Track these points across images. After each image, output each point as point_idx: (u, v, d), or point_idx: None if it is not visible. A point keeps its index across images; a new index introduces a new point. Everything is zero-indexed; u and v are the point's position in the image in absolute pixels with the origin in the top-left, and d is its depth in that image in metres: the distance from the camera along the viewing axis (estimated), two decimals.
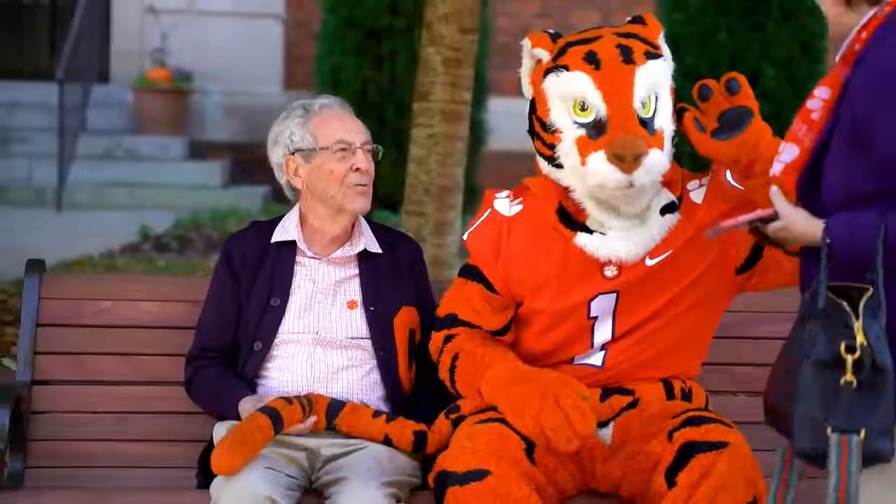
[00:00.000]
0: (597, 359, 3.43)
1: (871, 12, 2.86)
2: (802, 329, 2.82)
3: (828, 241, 2.78)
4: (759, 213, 2.94)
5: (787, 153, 2.91)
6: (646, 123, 3.30)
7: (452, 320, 3.51)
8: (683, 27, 9.89)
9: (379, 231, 3.71)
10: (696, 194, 3.43)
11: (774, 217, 2.91)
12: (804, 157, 2.88)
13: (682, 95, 3.42)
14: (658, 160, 3.28)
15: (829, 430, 2.73)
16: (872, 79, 2.78)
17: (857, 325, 2.73)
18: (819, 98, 2.88)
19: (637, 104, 3.30)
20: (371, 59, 10.74)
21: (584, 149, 3.30)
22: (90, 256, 9.05)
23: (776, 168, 2.92)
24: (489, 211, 3.52)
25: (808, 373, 2.76)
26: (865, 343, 2.72)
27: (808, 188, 2.88)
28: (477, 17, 5.54)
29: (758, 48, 9.84)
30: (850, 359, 2.72)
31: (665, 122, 3.34)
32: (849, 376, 2.72)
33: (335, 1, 10.85)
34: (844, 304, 2.75)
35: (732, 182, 3.34)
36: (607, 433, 3.41)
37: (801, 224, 2.86)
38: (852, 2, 2.87)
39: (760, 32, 9.86)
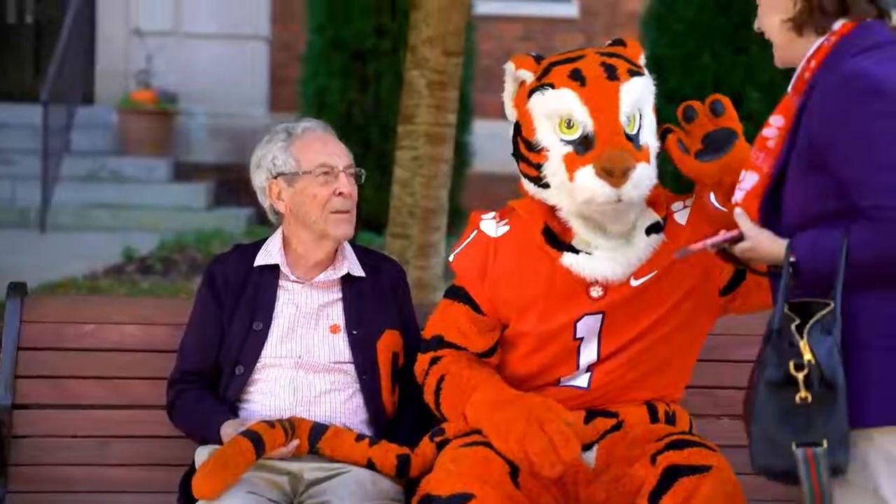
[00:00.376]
0: (582, 380, 3.43)
1: (819, 41, 2.91)
2: (765, 350, 2.86)
3: (792, 259, 2.82)
4: (726, 234, 2.97)
5: (748, 180, 2.96)
6: (631, 139, 3.31)
7: (438, 342, 3.50)
8: (667, 50, 9.91)
9: (362, 254, 3.70)
10: (681, 215, 3.44)
11: (740, 238, 2.94)
12: (764, 183, 2.93)
13: (665, 118, 3.42)
14: (646, 174, 3.29)
15: (793, 445, 2.76)
16: (828, 102, 2.81)
17: (803, 343, 2.76)
18: (774, 126, 2.94)
19: (623, 119, 3.31)
20: (356, 81, 10.75)
21: (571, 165, 3.30)
22: (74, 278, 9.03)
23: (738, 195, 2.97)
24: (475, 232, 3.52)
25: (762, 393, 2.80)
26: (813, 360, 2.75)
27: (770, 213, 2.92)
28: (461, 41, 5.54)
29: (741, 71, 9.86)
30: (800, 376, 2.76)
31: (650, 139, 3.35)
32: (803, 393, 2.76)
33: (321, 22, 10.86)
34: (793, 323, 2.79)
35: (716, 204, 3.34)
36: (591, 456, 3.40)
37: (767, 244, 2.90)
38: (803, 31, 2.92)
39: (744, 56, 9.89)
